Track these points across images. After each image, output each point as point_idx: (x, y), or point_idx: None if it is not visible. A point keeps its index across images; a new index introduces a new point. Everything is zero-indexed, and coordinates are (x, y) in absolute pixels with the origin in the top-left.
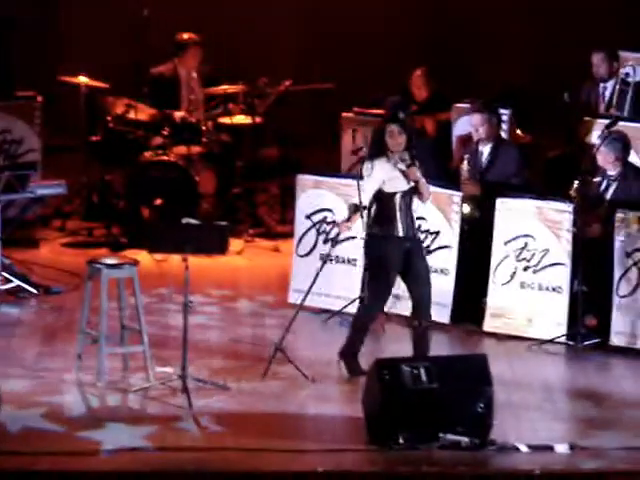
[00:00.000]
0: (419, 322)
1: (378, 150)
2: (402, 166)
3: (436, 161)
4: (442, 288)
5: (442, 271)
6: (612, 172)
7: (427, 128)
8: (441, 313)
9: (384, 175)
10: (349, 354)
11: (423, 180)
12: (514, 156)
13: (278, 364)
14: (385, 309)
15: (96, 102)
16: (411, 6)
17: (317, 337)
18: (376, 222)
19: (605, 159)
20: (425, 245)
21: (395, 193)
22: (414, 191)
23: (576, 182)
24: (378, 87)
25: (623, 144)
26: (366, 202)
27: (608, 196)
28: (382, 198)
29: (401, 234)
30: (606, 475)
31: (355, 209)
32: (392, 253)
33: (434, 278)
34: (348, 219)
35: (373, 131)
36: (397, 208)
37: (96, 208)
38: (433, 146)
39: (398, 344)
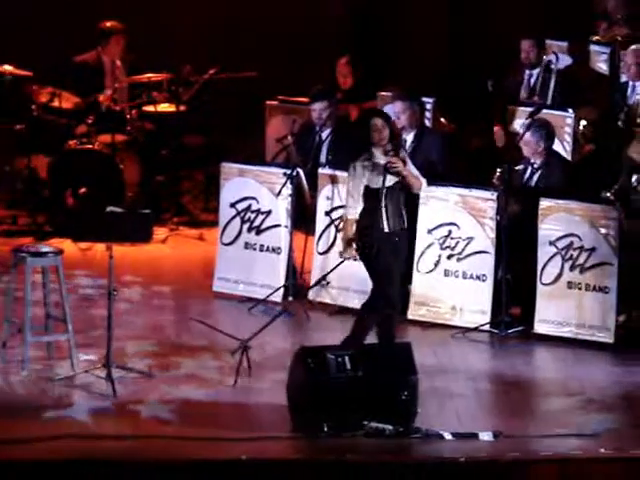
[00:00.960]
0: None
1: (363, 146)
2: (383, 160)
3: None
4: (366, 276)
5: None
6: (537, 160)
7: (352, 116)
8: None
9: (368, 173)
10: (355, 342)
11: (406, 171)
12: (438, 144)
13: (204, 353)
14: (310, 297)
15: (20, 90)
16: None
17: (241, 325)
18: (363, 218)
19: (530, 147)
20: None
21: (379, 189)
22: (401, 185)
23: (499, 170)
24: (303, 75)
25: (547, 132)
26: (359, 201)
27: (532, 184)
28: (369, 194)
29: (387, 230)
30: (530, 463)
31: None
32: (383, 246)
33: (358, 266)
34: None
35: (358, 126)
36: (382, 204)
37: (21, 196)
38: (357, 134)
39: (323, 332)
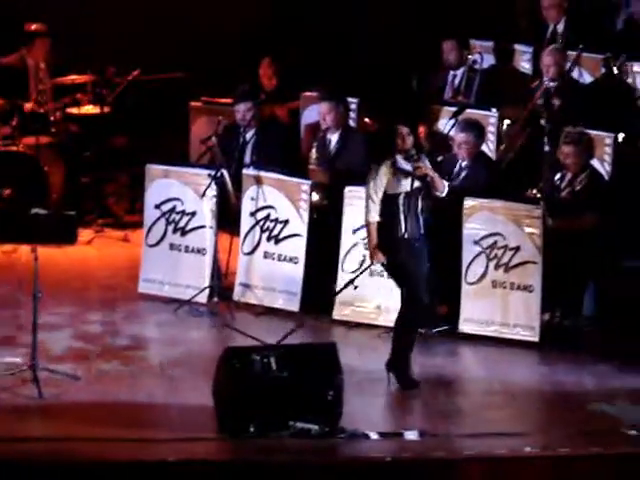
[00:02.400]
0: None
1: (385, 152)
2: (408, 166)
3: (283, 150)
4: (292, 276)
5: (291, 259)
6: (465, 159)
7: (279, 117)
8: (291, 301)
9: (388, 178)
10: (399, 365)
11: (433, 173)
12: (362, 144)
13: (129, 355)
14: (235, 297)
15: None
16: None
17: (167, 327)
18: (384, 225)
19: (468, 147)
20: (274, 234)
21: (399, 195)
22: (420, 191)
23: None
24: (227, 76)
25: (478, 131)
26: (378, 204)
27: (458, 183)
28: (387, 201)
29: (407, 236)
30: (456, 462)
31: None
32: (406, 254)
33: (283, 267)
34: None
35: (378, 132)
36: (401, 210)
37: None
38: (281, 135)
39: (248, 332)
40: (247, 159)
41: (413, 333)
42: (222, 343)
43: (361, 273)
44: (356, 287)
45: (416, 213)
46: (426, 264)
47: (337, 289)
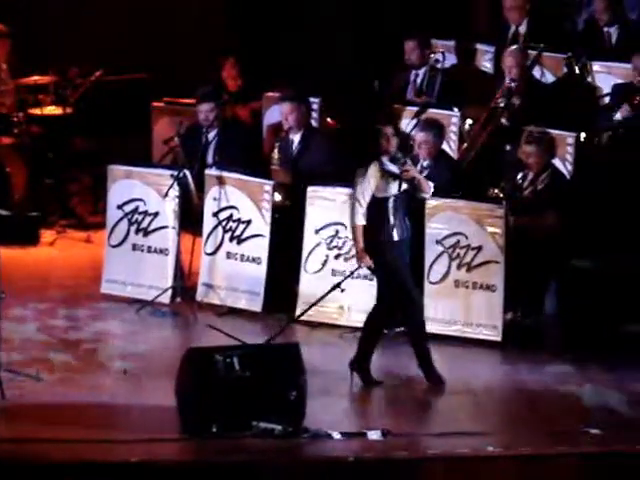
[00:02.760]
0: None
1: (372, 152)
2: (395, 168)
3: (246, 150)
4: (254, 277)
5: (254, 260)
6: (425, 159)
7: (241, 116)
8: (254, 302)
9: (376, 181)
10: (425, 364)
11: (420, 176)
12: (324, 144)
13: (92, 356)
14: (198, 298)
15: None
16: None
17: (129, 327)
18: (371, 229)
19: (428, 147)
20: (237, 234)
21: (387, 198)
22: (407, 193)
23: None
24: (191, 77)
25: (438, 130)
26: (365, 207)
27: None
28: (375, 204)
29: (396, 238)
30: (418, 461)
31: None
32: (394, 257)
33: (245, 267)
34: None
35: (368, 134)
36: (390, 212)
37: None
38: (243, 135)
39: (211, 333)
40: (209, 159)
41: (423, 337)
42: (185, 343)
43: (347, 277)
44: (343, 290)
45: (404, 215)
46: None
47: (324, 293)
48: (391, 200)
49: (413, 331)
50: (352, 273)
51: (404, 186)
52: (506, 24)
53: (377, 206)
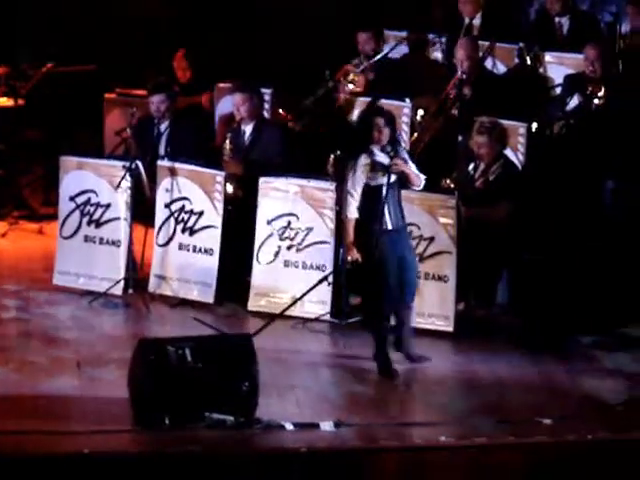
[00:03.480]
0: (407, 303)
1: (363, 143)
2: (385, 159)
3: (198, 141)
4: (206, 268)
5: (206, 251)
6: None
7: (202, 103)
8: (206, 293)
9: (366, 172)
10: (380, 357)
11: (409, 170)
12: (276, 135)
13: (45, 347)
14: (150, 289)
15: None
16: None
17: (82, 319)
18: (366, 217)
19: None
20: (189, 225)
21: (381, 186)
22: (400, 181)
23: (332, 158)
24: (141, 68)
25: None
26: (357, 199)
27: None
28: (369, 192)
29: (390, 227)
30: (371, 452)
31: None
32: (385, 245)
33: (197, 258)
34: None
35: (358, 123)
36: (384, 202)
37: None
38: (195, 126)
39: (163, 324)
40: (161, 151)
41: (385, 326)
42: (137, 335)
43: (328, 275)
44: (330, 284)
45: (398, 203)
46: (413, 253)
47: (309, 287)
48: (384, 189)
49: (375, 324)
50: (344, 266)
51: (393, 177)
52: (461, 16)
53: (371, 194)
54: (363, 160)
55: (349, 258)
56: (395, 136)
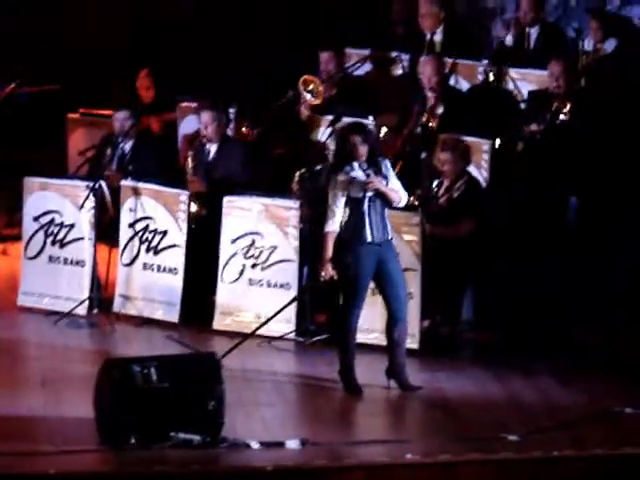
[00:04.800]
0: (398, 321)
1: (341, 160)
2: (361, 176)
3: (161, 161)
4: (171, 287)
5: (171, 270)
6: None
7: (153, 128)
8: (171, 312)
9: (344, 188)
10: (345, 374)
11: (385, 188)
12: (240, 154)
13: (10, 367)
14: (115, 309)
15: None
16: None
17: (48, 339)
18: (346, 228)
19: None
20: (153, 245)
21: (363, 198)
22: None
23: (297, 175)
24: (106, 88)
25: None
26: (339, 214)
27: None
28: (350, 204)
29: (369, 239)
30: (337, 470)
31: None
32: (363, 259)
33: (162, 277)
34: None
35: (337, 141)
36: (366, 213)
37: None
38: (158, 146)
39: (128, 344)
40: (126, 169)
41: (349, 342)
42: (103, 354)
43: (311, 290)
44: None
45: (382, 217)
46: (399, 268)
47: (280, 307)
48: (366, 200)
49: (340, 339)
50: (315, 285)
51: (369, 194)
52: (421, 32)
53: (354, 206)
54: (341, 177)
55: (323, 274)
56: (376, 152)
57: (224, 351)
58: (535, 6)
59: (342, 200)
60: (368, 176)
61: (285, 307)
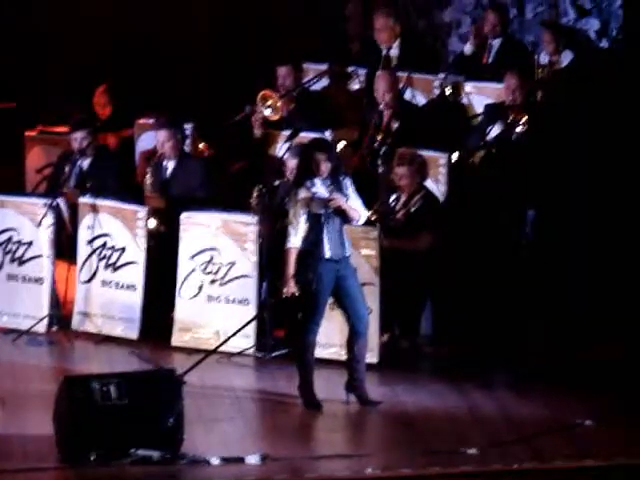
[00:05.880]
0: (358, 336)
1: (303, 176)
2: (324, 193)
3: (119, 177)
4: (130, 304)
5: (129, 287)
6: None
7: (110, 144)
8: (130, 329)
9: (305, 204)
10: (304, 389)
11: (346, 206)
12: (198, 169)
13: None
14: (74, 326)
15: None
16: (91, 26)
17: (7, 357)
18: (305, 244)
19: (292, 172)
20: (112, 262)
21: (321, 215)
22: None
23: (256, 191)
24: (62, 105)
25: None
26: (300, 230)
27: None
28: (310, 220)
29: (327, 256)
30: None
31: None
32: (323, 276)
33: (121, 294)
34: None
35: (299, 158)
36: (324, 230)
37: None
38: (116, 163)
39: (88, 361)
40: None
41: (307, 358)
42: (62, 372)
43: (262, 309)
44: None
45: (340, 233)
46: (357, 285)
47: (242, 325)
48: (323, 217)
49: (298, 355)
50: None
51: (329, 210)
52: (378, 47)
53: (313, 222)
54: (302, 193)
55: (285, 291)
56: (339, 170)
57: (183, 367)
58: (502, 20)
59: (304, 216)
60: (331, 193)
61: (247, 324)
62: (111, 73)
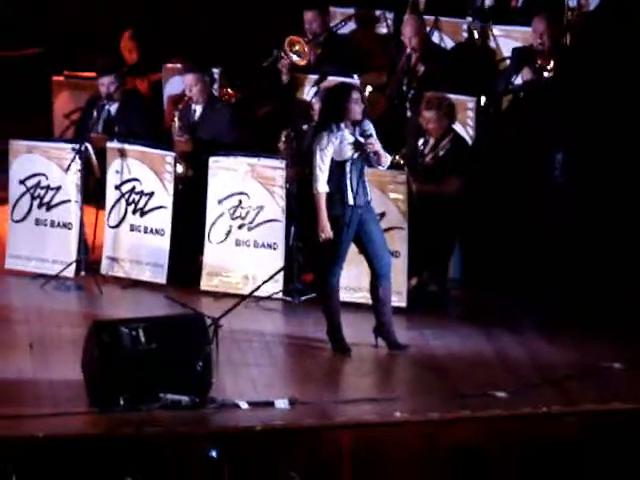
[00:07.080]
0: (381, 278)
1: (334, 117)
2: (357, 137)
3: (147, 122)
4: (158, 249)
5: (157, 231)
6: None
7: (140, 89)
8: (158, 273)
9: (335, 146)
10: (333, 333)
11: (382, 150)
12: (226, 113)
13: None
14: (102, 271)
15: None
16: None
17: (36, 302)
18: (330, 192)
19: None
20: (140, 206)
21: (345, 161)
22: (365, 157)
23: (283, 135)
24: (89, 50)
25: None
26: (327, 174)
27: None
28: (332, 166)
29: (351, 202)
30: (326, 428)
31: None
32: (344, 218)
33: (149, 239)
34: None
35: (327, 96)
36: (347, 176)
37: None
38: (144, 107)
39: (115, 306)
40: (112, 132)
41: (333, 302)
42: (90, 317)
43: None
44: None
45: (362, 179)
46: (380, 230)
47: (271, 274)
48: (348, 164)
49: (325, 299)
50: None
51: (357, 153)
52: None
53: (335, 170)
54: (329, 134)
55: (322, 236)
56: (365, 112)
57: (211, 311)
58: None
59: (329, 159)
60: (367, 137)
61: (280, 270)
62: (138, 16)
